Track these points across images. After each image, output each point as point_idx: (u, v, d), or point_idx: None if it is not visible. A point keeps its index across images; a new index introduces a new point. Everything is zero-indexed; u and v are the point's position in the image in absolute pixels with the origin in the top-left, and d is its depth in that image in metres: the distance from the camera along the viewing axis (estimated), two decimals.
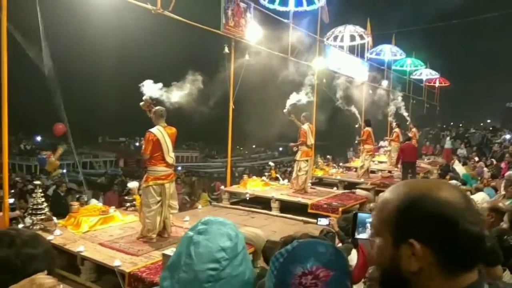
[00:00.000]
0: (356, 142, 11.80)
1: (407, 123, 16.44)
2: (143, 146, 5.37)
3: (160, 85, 5.44)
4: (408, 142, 12.19)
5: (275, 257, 1.04)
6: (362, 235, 1.15)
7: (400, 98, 17.29)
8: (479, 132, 24.52)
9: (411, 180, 0.99)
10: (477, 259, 0.83)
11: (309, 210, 7.50)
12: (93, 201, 7.23)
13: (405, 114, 16.55)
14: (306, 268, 0.97)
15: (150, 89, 5.42)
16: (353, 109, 13.19)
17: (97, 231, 5.59)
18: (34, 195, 5.61)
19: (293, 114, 8.77)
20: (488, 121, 39.05)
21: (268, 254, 2.92)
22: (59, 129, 10.58)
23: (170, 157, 5.46)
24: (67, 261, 4.73)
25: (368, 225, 1.15)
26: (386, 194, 0.92)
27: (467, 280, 0.83)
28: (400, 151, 11.87)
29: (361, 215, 1.17)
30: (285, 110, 8.85)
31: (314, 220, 5.34)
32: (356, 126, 12.90)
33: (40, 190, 5.68)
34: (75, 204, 6.14)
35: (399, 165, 11.94)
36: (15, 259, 1.03)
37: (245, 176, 9.84)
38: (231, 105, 8.74)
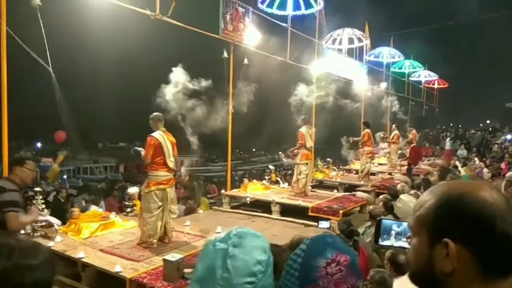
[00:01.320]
0: (347, 141, 11.92)
1: (406, 124, 16.49)
2: (144, 150, 5.37)
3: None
4: (413, 145, 12.61)
5: (291, 259, 1.09)
6: (386, 242, 1.15)
7: (397, 101, 17.36)
8: (479, 133, 24.54)
9: (452, 181, 0.99)
10: None
11: (310, 213, 7.50)
12: (93, 207, 7.22)
13: (403, 115, 16.60)
14: (327, 258, 1.03)
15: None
16: (354, 104, 13.26)
17: (98, 237, 5.59)
18: (34, 201, 5.61)
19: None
20: (488, 121, 39.10)
21: None
22: (60, 136, 10.64)
23: (171, 161, 5.48)
24: (68, 268, 4.73)
25: (393, 232, 1.14)
26: (425, 194, 0.91)
27: (504, 287, 0.80)
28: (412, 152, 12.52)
29: (385, 221, 1.16)
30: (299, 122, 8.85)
31: (315, 223, 5.35)
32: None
33: (41, 197, 5.69)
34: (76, 210, 6.15)
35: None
36: (14, 270, 1.00)
37: (246, 180, 9.85)
38: (231, 109, 8.76)
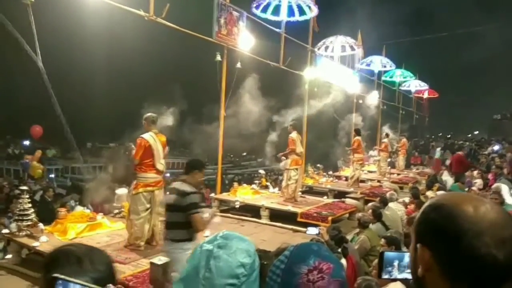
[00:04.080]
0: (348, 150, 12.01)
1: (392, 133, 16.64)
2: (134, 151, 5.33)
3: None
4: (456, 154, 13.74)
5: (275, 266, 1.08)
6: (389, 275, 1.13)
7: (387, 109, 17.52)
8: (467, 143, 24.86)
9: (452, 192, 1.02)
10: (492, 284, 0.78)
11: (299, 219, 7.50)
12: (79, 208, 7.13)
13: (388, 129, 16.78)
14: (310, 265, 1.02)
15: None
16: (345, 111, 13.40)
17: (84, 238, 5.52)
18: (20, 200, 5.52)
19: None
20: (476, 132, 39.63)
21: None
22: (37, 132, 10.57)
23: (161, 163, 5.45)
24: None
25: (396, 264, 1.13)
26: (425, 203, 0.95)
27: None
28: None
29: (388, 254, 1.14)
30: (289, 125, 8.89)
31: (304, 229, 5.35)
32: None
33: (27, 196, 5.60)
34: (62, 210, 6.07)
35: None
36: (85, 276, 0.98)
37: (235, 184, 9.82)
38: (223, 113, 8.75)
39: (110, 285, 0.96)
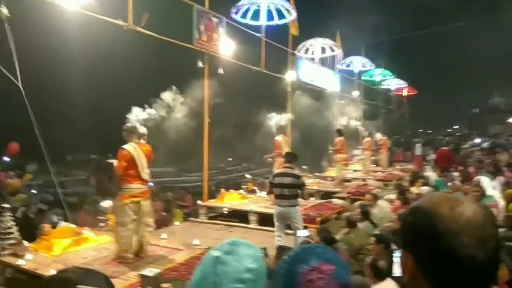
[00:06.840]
0: (330, 151, 12.15)
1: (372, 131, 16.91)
2: (115, 163, 5.27)
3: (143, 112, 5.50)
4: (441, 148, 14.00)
5: (279, 266, 1.14)
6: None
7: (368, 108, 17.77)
8: (446, 138, 25.41)
9: (430, 194, 1.01)
10: (475, 286, 0.76)
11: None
12: (63, 223, 6.96)
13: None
14: (310, 265, 1.07)
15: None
16: (327, 112, 13.57)
17: (70, 253, 5.41)
18: (2, 219, 5.37)
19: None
20: (455, 127, 40.52)
21: None
22: (14, 148, 10.46)
23: (145, 173, 5.39)
24: (39, 287, 4.53)
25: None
26: None
27: None
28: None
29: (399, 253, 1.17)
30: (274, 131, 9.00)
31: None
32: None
33: (9, 213, 5.46)
34: (47, 226, 5.93)
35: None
36: None
37: (222, 190, 9.78)
38: (206, 119, 8.71)
39: None
